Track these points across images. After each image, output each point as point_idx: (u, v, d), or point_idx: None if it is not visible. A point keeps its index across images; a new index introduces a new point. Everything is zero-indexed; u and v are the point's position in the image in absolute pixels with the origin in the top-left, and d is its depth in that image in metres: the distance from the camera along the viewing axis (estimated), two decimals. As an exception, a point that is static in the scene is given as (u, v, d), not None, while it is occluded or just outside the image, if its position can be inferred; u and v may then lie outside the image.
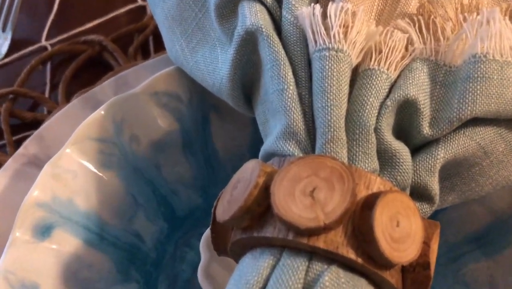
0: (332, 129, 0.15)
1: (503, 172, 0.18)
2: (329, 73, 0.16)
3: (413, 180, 0.16)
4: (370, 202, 0.14)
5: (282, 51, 0.17)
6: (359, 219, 0.14)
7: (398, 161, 0.15)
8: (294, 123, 0.16)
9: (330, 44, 0.16)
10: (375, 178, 0.15)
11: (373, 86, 0.16)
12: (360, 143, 0.15)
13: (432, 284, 0.24)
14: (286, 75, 0.16)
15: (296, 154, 0.16)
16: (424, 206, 0.16)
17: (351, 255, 0.13)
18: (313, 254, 0.14)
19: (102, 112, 0.23)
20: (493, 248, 0.22)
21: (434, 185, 0.16)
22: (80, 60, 0.33)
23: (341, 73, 0.16)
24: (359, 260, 0.13)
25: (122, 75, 0.28)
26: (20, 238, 0.19)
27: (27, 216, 0.19)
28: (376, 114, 0.16)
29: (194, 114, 0.24)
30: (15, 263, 0.19)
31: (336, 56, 0.16)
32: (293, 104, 0.16)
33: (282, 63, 0.17)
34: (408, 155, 0.16)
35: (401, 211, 0.14)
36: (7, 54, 0.35)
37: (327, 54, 0.16)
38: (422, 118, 0.16)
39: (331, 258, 0.14)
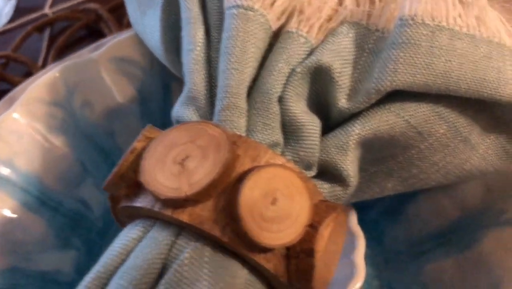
0: (229, 95, 0.14)
1: (451, 159, 0.16)
2: (234, 33, 0.14)
3: (322, 157, 0.14)
4: (243, 176, 0.12)
5: (196, 9, 0.15)
6: (230, 193, 0.12)
7: (302, 135, 0.14)
8: (195, 88, 0.14)
9: (239, 1, 0.14)
10: (265, 151, 0.13)
11: (285, 51, 0.14)
12: (260, 112, 0.14)
13: (390, 281, 0.22)
14: (195, 35, 0.15)
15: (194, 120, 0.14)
16: (336, 189, 0.14)
17: (216, 232, 0.12)
18: (182, 229, 0.12)
19: (56, 74, 0.22)
20: (459, 245, 0.20)
21: (346, 165, 0.14)
22: (74, 29, 0.33)
23: (248, 34, 0.14)
24: (225, 239, 0.12)
25: (102, 42, 0.28)
26: None
27: None
28: (283, 82, 0.14)
29: (155, 82, 0.23)
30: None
31: (245, 14, 0.14)
32: (197, 66, 0.15)
33: (193, 21, 0.15)
34: (315, 129, 0.14)
35: (283, 188, 0.12)
36: (10, 21, 0.35)
37: (235, 12, 0.14)
38: (338, 89, 0.14)
39: (200, 235, 0.12)
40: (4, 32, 0.35)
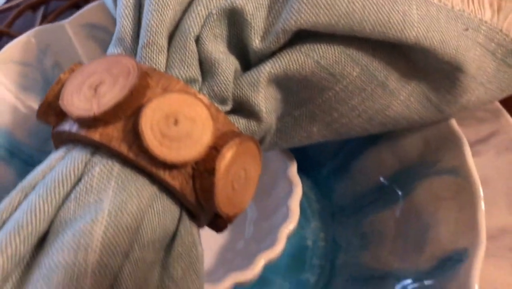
0: (149, 34, 0.15)
1: (371, 104, 0.17)
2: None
3: (237, 94, 0.15)
4: (149, 100, 0.13)
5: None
6: (137, 115, 0.13)
7: (216, 71, 0.15)
8: (123, 30, 0.16)
9: None
10: (177, 82, 0.14)
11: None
12: (178, 50, 0.15)
13: (335, 234, 0.23)
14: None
15: (122, 59, 0.16)
16: (251, 123, 0.16)
17: (123, 149, 0.13)
18: (97, 149, 0.14)
19: (30, 37, 0.24)
20: (396, 196, 0.21)
21: (258, 101, 0.15)
22: (65, 6, 0.35)
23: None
24: (131, 155, 0.13)
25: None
26: None
27: None
28: (200, 23, 0.15)
29: (122, 47, 0.25)
30: None
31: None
32: (126, 11, 0.16)
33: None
34: (228, 66, 0.15)
35: (186, 112, 0.13)
36: (8, 1, 0.38)
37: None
38: (251, 31, 0.15)
39: (112, 154, 0.14)
40: (1, 11, 0.37)
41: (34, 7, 0.36)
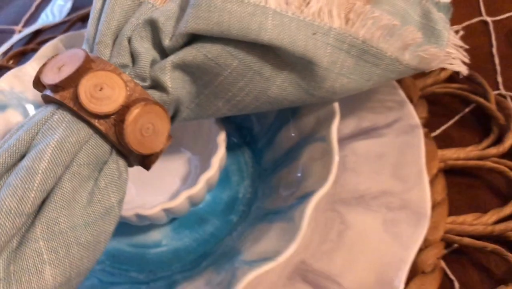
0: (100, 35, 0.24)
1: (253, 86, 0.24)
2: (107, 3, 0.24)
3: (152, 75, 0.23)
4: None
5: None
6: (77, 84, 0.22)
7: (138, 59, 0.23)
8: (88, 33, 0.25)
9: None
10: (110, 65, 0.23)
11: (138, 11, 0.24)
12: (117, 46, 0.23)
13: (257, 188, 0.30)
14: (97, 2, 0.25)
15: (87, 53, 0.24)
16: (163, 95, 0.24)
17: (71, 104, 0.22)
18: (60, 106, 0.22)
19: (59, 40, 0.34)
20: (291, 159, 0.27)
21: (165, 80, 0.23)
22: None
23: (114, 4, 0.24)
24: (75, 108, 0.22)
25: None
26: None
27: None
28: (132, 28, 0.24)
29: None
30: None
31: (116, -11, 0.24)
32: (92, 21, 0.25)
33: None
34: (147, 57, 0.23)
35: (107, 82, 0.22)
36: (68, 15, 0.49)
37: (112, -11, 0.24)
38: (163, 34, 0.23)
39: (65, 108, 0.22)
40: (61, 23, 0.48)
41: (83, 19, 0.46)
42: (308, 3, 0.23)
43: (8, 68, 0.43)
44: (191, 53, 0.23)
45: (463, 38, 0.33)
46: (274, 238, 0.23)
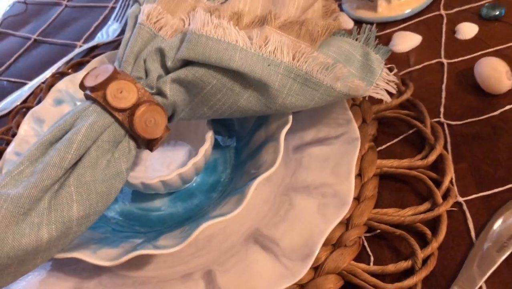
0: (126, 56, 0.35)
1: (227, 98, 0.35)
2: (135, 32, 0.35)
3: (157, 85, 0.34)
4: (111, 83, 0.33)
5: (131, 25, 0.37)
6: (105, 88, 0.33)
7: (149, 74, 0.34)
8: (120, 54, 0.36)
9: (140, 20, 0.35)
10: (128, 76, 0.34)
11: (153, 42, 0.35)
12: (136, 64, 0.35)
13: (234, 176, 0.40)
14: (126, 35, 0.36)
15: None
16: (164, 99, 0.34)
17: (102, 101, 0.33)
18: (94, 101, 0.34)
19: (104, 56, 0.45)
20: (258, 151, 0.37)
21: (165, 89, 0.34)
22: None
23: (138, 36, 0.35)
24: (103, 103, 0.33)
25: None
26: (46, 101, 0.43)
27: (51, 93, 0.44)
28: (147, 53, 0.35)
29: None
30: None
31: (139, 26, 0.35)
32: (122, 45, 0.36)
33: (127, 30, 0.37)
34: (155, 73, 0.34)
35: (126, 88, 0.33)
36: (118, 36, 0.61)
37: (137, 25, 0.35)
38: (167, 58, 0.34)
39: (97, 103, 0.33)
40: (113, 42, 0.61)
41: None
42: (267, 43, 0.34)
43: (67, 75, 0.56)
44: (184, 72, 0.34)
45: (422, 75, 0.42)
46: (231, 204, 0.33)
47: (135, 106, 0.33)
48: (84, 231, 0.32)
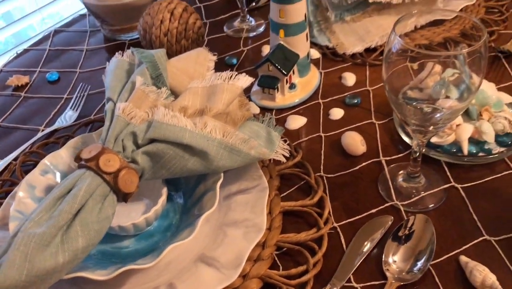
0: (109, 137, 0.51)
1: (179, 163, 0.52)
2: (113, 123, 0.52)
3: (132, 156, 0.51)
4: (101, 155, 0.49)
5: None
6: (97, 161, 0.49)
7: (126, 149, 0.51)
8: (103, 135, 0.52)
9: (119, 110, 0.52)
10: (113, 151, 0.50)
11: (127, 128, 0.52)
12: (116, 143, 0.51)
13: (182, 220, 0.57)
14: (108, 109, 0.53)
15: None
16: (136, 166, 0.51)
17: (95, 168, 0.48)
18: (88, 168, 0.49)
19: (80, 137, 0.61)
20: (200, 201, 0.54)
21: (137, 159, 0.50)
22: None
23: (116, 124, 0.52)
24: (95, 169, 0.48)
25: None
26: (36, 171, 0.57)
27: (39, 166, 0.58)
28: (124, 135, 0.51)
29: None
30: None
31: (117, 117, 0.52)
32: (105, 129, 0.52)
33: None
34: (130, 148, 0.51)
35: (111, 159, 0.49)
36: (74, 122, 0.76)
37: (116, 115, 0.52)
38: (138, 138, 0.51)
39: (91, 170, 0.49)
40: (70, 126, 0.76)
41: (86, 124, 0.74)
42: (206, 126, 0.52)
43: (36, 153, 0.70)
44: (151, 147, 0.51)
45: (307, 144, 0.61)
46: (185, 234, 0.49)
47: (118, 170, 0.49)
48: (83, 258, 0.46)
